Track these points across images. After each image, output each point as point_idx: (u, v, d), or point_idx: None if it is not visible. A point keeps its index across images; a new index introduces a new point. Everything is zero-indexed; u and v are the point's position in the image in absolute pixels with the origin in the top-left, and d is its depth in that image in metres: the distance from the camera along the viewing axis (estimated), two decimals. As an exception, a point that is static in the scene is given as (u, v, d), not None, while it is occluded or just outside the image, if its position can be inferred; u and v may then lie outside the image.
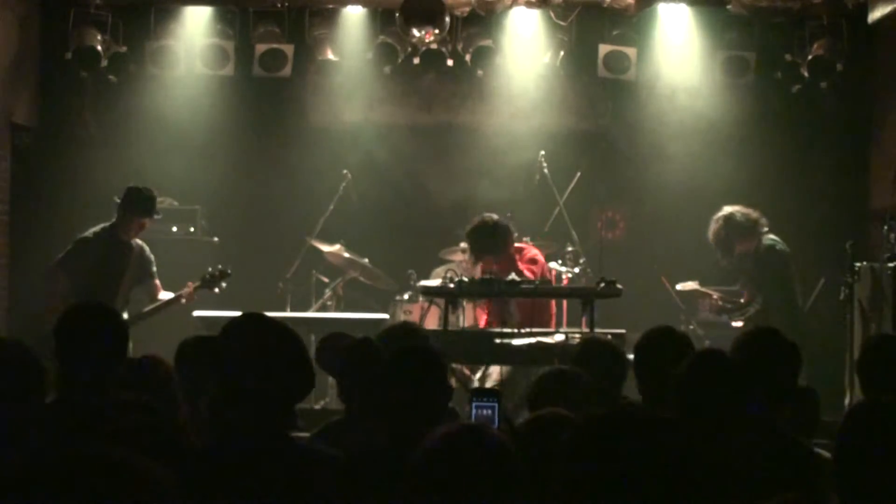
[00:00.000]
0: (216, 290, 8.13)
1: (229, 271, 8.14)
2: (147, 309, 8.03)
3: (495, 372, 7.91)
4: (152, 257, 8.10)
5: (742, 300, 8.59)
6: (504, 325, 7.71)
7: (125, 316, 7.90)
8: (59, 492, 1.73)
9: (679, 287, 8.79)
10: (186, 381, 4.36)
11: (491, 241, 8.00)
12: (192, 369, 4.46)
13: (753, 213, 8.48)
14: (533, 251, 8.31)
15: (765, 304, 8.36)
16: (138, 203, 7.89)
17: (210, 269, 8.11)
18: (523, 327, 7.47)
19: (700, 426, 3.62)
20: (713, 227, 8.50)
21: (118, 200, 7.96)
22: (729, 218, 8.45)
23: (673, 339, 4.62)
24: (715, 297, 8.67)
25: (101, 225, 7.97)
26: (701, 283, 8.99)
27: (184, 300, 8.01)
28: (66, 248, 7.93)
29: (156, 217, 8.08)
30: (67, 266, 7.83)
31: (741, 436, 3.64)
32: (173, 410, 3.82)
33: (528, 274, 7.89)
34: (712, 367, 3.78)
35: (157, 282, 8.08)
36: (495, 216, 8.13)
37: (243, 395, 2.95)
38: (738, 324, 8.55)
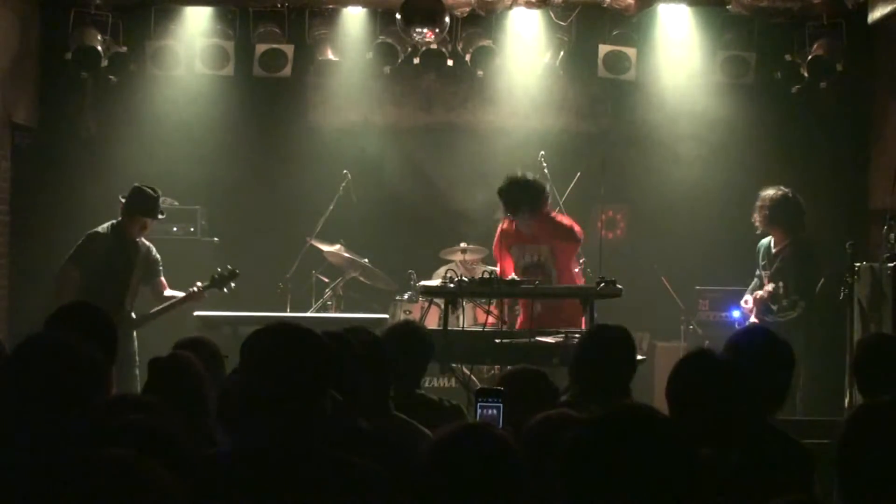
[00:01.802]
0: (225, 290, 8.14)
1: (238, 271, 8.14)
2: (155, 310, 8.04)
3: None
4: (159, 257, 8.12)
5: (768, 292, 8.37)
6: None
7: (133, 315, 7.95)
8: (64, 493, 1.73)
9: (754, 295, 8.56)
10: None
11: (526, 195, 7.83)
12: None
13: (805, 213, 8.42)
14: (563, 220, 8.22)
15: (806, 309, 8.23)
16: (142, 202, 7.92)
17: (219, 269, 8.13)
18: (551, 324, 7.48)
19: (696, 426, 3.62)
20: (775, 193, 8.34)
21: (123, 199, 7.98)
22: (794, 199, 8.34)
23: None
24: (764, 294, 8.46)
25: (110, 222, 8.02)
26: (701, 283, 8.96)
27: (192, 300, 8.03)
28: (77, 244, 7.94)
29: (160, 217, 8.10)
30: (80, 261, 7.85)
31: (737, 436, 3.64)
32: (204, 411, 3.81)
33: (575, 228, 7.92)
34: (700, 367, 3.78)
35: (163, 279, 8.12)
36: (525, 173, 7.99)
37: (273, 400, 2.95)
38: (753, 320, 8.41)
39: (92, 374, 3.12)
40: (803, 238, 8.42)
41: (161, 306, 8.02)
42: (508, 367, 4.95)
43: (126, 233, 7.95)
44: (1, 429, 2.98)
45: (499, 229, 8.18)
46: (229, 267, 8.15)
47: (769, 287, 8.35)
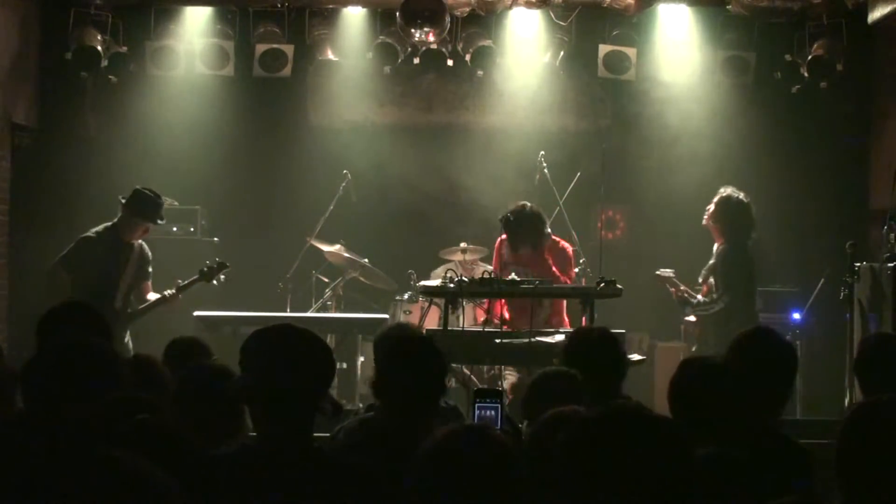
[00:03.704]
0: (214, 282, 8.07)
1: (228, 263, 8.07)
2: (141, 307, 7.96)
3: (511, 377, 7.93)
4: (150, 256, 8.03)
5: (699, 296, 8.41)
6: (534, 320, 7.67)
7: (128, 311, 7.91)
8: (59, 494, 1.73)
9: (658, 272, 8.64)
10: (175, 380, 4.37)
11: (529, 233, 8.03)
12: (180, 369, 4.46)
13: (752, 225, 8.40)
14: (562, 244, 8.30)
15: (729, 305, 8.16)
16: (143, 206, 7.82)
17: (208, 262, 8.05)
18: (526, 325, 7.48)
19: (697, 426, 3.62)
20: (728, 193, 8.28)
21: (122, 200, 7.92)
22: (742, 205, 8.27)
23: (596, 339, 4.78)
24: (682, 287, 8.49)
25: (105, 224, 7.93)
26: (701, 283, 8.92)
27: (170, 301, 7.90)
28: (70, 246, 7.92)
29: (159, 223, 7.99)
30: (69, 264, 7.80)
31: (737, 437, 3.64)
32: (165, 409, 3.81)
33: (570, 273, 8.00)
34: (701, 374, 3.78)
35: (149, 282, 7.99)
36: (527, 204, 8.14)
37: (275, 400, 2.95)
38: (692, 318, 8.46)
39: (111, 373, 3.14)
40: (742, 243, 8.29)
41: (144, 305, 7.92)
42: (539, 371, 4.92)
43: (122, 235, 7.84)
44: (5, 430, 2.98)
45: (497, 245, 8.34)
46: (217, 259, 8.09)
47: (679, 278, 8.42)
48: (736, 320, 7.94)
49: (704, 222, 8.39)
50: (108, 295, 7.64)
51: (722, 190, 8.38)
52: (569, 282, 8.15)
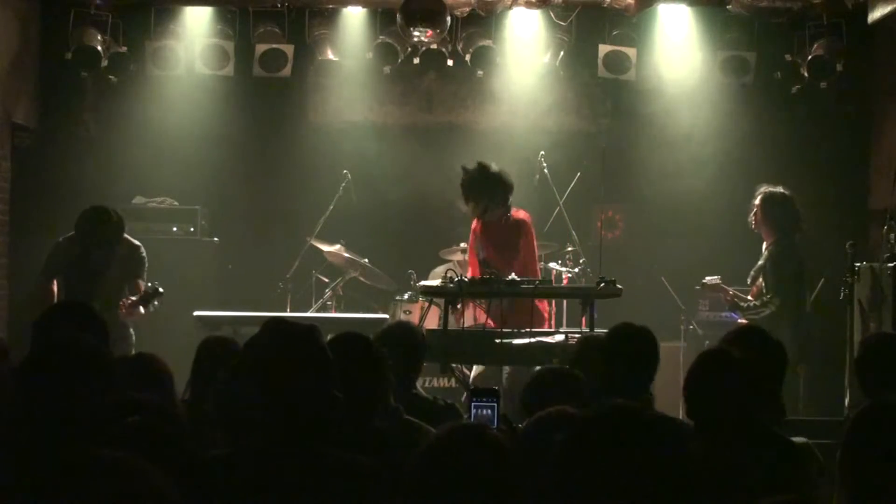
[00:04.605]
0: (150, 308, 7.70)
1: (161, 290, 7.67)
2: None
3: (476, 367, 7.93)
4: (145, 259, 7.87)
5: (749, 297, 8.38)
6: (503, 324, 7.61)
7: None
8: (58, 495, 1.73)
9: (704, 281, 8.58)
10: (203, 380, 4.37)
11: (483, 189, 7.93)
12: (211, 369, 4.46)
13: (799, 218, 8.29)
14: (520, 216, 8.16)
15: (780, 308, 8.06)
16: (80, 230, 7.66)
17: (149, 284, 7.71)
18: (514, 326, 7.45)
19: (702, 427, 3.62)
20: (770, 191, 8.18)
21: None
22: (788, 200, 8.16)
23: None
24: (731, 292, 8.44)
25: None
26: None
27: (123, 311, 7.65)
28: (46, 255, 7.87)
29: (100, 245, 7.67)
30: (49, 272, 7.77)
31: (733, 435, 3.64)
32: (171, 408, 3.81)
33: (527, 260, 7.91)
34: (718, 365, 3.78)
35: (140, 282, 7.79)
36: (491, 164, 8.04)
37: (281, 401, 2.95)
38: (743, 321, 8.41)
39: (102, 372, 3.14)
40: (791, 239, 8.22)
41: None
42: (538, 368, 4.88)
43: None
44: (6, 430, 2.98)
45: (472, 229, 8.29)
46: (155, 283, 7.71)
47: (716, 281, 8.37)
48: (785, 323, 7.89)
49: (752, 225, 8.31)
50: (86, 297, 7.47)
51: (762, 189, 8.28)
52: (534, 261, 8.04)
